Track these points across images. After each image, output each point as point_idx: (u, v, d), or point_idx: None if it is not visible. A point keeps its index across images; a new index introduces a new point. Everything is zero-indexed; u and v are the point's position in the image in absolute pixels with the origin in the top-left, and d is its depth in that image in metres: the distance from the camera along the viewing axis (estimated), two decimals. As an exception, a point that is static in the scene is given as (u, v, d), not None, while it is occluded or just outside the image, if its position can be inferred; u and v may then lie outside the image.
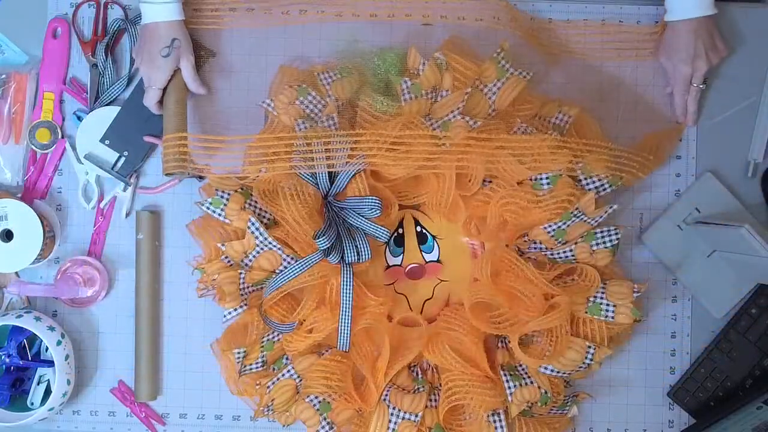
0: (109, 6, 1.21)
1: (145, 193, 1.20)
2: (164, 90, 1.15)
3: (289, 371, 1.15)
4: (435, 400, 1.14)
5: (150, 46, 1.13)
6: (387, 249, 1.20)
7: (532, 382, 1.13)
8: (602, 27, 1.22)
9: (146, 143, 1.18)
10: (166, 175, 1.13)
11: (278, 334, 1.16)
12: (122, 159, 1.19)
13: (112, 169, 1.19)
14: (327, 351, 1.16)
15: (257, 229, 1.12)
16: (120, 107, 1.19)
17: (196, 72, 1.17)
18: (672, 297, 1.21)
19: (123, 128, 1.19)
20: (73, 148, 1.20)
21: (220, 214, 1.14)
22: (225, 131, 1.20)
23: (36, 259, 1.15)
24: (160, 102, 1.16)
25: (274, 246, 1.13)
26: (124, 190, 1.20)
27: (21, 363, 1.16)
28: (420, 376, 1.16)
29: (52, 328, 1.14)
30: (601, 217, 1.12)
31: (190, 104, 1.19)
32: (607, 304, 1.12)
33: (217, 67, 1.21)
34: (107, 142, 1.19)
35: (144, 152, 1.19)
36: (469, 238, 1.20)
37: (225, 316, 1.15)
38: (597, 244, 1.13)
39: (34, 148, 1.20)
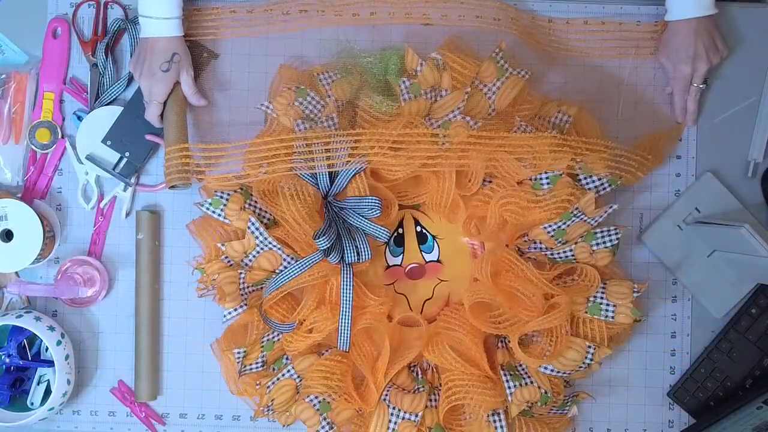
0: (109, 6, 1.21)
1: (144, 191, 1.20)
2: (164, 103, 1.16)
3: (289, 371, 1.15)
4: (435, 400, 1.14)
5: (150, 61, 1.13)
6: (387, 249, 1.20)
7: (532, 382, 1.13)
8: (602, 26, 1.22)
9: (147, 144, 1.18)
10: (170, 188, 1.13)
11: (278, 334, 1.16)
12: (124, 160, 1.19)
13: (114, 169, 1.19)
14: (327, 351, 1.16)
15: (257, 229, 1.12)
16: (120, 107, 1.19)
17: (196, 85, 1.17)
18: (672, 297, 1.21)
19: (124, 129, 1.19)
20: (73, 148, 1.20)
21: (219, 215, 1.14)
22: (226, 138, 1.20)
23: (36, 259, 1.15)
24: (162, 115, 1.16)
25: (274, 246, 1.13)
26: (125, 190, 1.20)
27: (21, 363, 1.16)
28: (420, 376, 1.16)
29: (52, 328, 1.14)
30: (601, 217, 1.13)
31: (190, 114, 1.19)
32: (607, 304, 1.13)
33: (216, 70, 1.21)
34: (109, 142, 1.19)
35: (145, 153, 1.19)
36: (469, 238, 1.20)
37: (225, 316, 1.15)
38: (597, 244, 1.13)
39: (34, 148, 1.20)
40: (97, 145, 1.19)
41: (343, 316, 1.12)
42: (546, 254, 1.15)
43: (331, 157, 1.12)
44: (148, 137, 1.18)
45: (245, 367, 1.14)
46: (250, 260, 1.14)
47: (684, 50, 1.16)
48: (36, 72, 1.21)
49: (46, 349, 1.18)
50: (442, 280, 1.20)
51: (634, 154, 1.15)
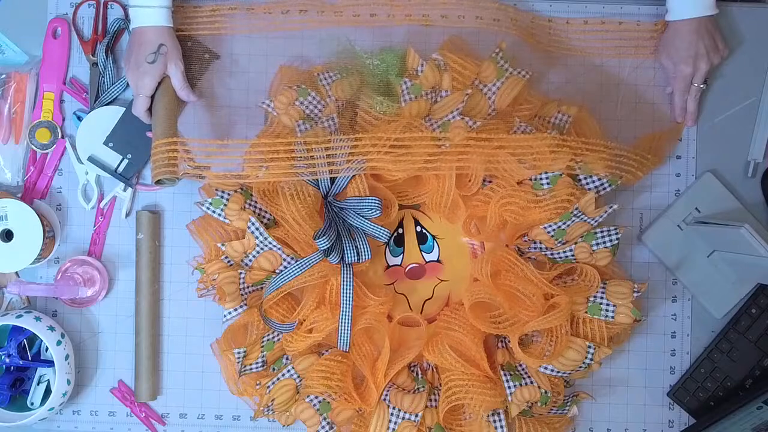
0: (108, 5, 1.21)
1: (144, 190, 1.20)
2: (153, 97, 1.14)
3: (289, 371, 1.15)
4: (435, 400, 1.14)
5: (137, 53, 1.12)
6: (387, 249, 1.20)
7: (532, 382, 1.13)
8: (602, 25, 1.22)
9: (149, 146, 1.17)
10: (156, 182, 1.10)
11: (278, 334, 1.16)
12: (125, 161, 1.19)
13: (115, 171, 1.19)
14: (327, 351, 1.16)
15: (257, 229, 1.12)
16: (120, 107, 1.19)
17: (185, 80, 1.15)
18: (672, 297, 1.21)
19: (126, 131, 1.18)
20: (73, 148, 1.20)
21: (220, 215, 1.14)
22: (225, 136, 1.19)
23: (36, 259, 1.15)
24: (150, 110, 1.15)
25: (274, 246, 1.13)
26: (124, 190, 1.20)
27: (21, 363, 1.16)
28: (420, 376, 1.16)
29: (52, 328, 1.14)
30: (601, 217, 1.13)
31: (190, 110, 1.19)
32: (607, 304, 1.13)
33: (216, 70, 1.21)
34: (111, 144, 1.18)
35: (147, 155, 1.19)
36: (469, 238, 1.20)
37: (225, 316, 1.15)
38: (597, 244, 1.13)
39: (34, 148, 1.20)
40: (98, 145, 1.19)
41: (343, 316, 1.12)
42: (546, 254, 1.15)
43: (332, 162, 1.11)
44: (149, 134, 1.18)
45: (245, 367, 1.14)
46: (250, 260, 1.14)
47: (685, 50, 1.16)
48: (36, 72, 1.21)
49: (46, 349, 1.18)
50: (442, 280, 1.20)
51: (634, 154, 1.15)
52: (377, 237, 1.15)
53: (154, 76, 1.12)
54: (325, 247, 1.10)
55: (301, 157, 1.11)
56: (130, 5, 1.12)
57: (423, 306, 1.20)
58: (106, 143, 1.18)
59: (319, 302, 1.14)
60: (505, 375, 1.13)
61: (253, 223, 1.12)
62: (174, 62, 1.13)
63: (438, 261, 1.20)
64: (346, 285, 1.12)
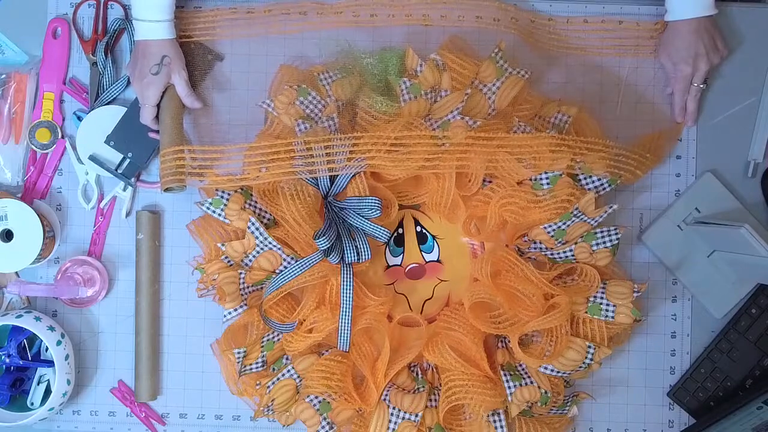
0: (108, 5, 1.21)
1: (145, 188, 1.20)
2: (159, 105, 1.15)
3: (289, 371, 1.15)
4: (435, 400, 1.14)
5: (141, 64, 1.13)
6: (387, 249, 1.20)
7: (532, 382, 1.13)
8: (602, 24, 1.22)
9: (150, 145, 1.18)
10: (165, 190, 1.12)
11: (278, 334, 1.16)
12: (126, 160, 1.19)
13: (116, 170, 1.19)
14: (327, 351, 1.16)
15: (257, 229, 1.12)
16: (120, 107, 1.19)
17: (190, 87, 1.16)
18: (672, 297, 1.21)
19: (127, 130, 1.18)
20: (73, 148, 1.20)
21: (220, 215, 1.14)
22: (226, 138, 1.19)
23: (36, 259, 1.15)
24: (157, 117, 1.16)
25: (274, 246, 1.13)
26: (124, 189, 1.20)
27: (21, 363, 1.16)
28: (420, 376, 1.16)
29: (52, 328, 1.14)
30: (601, 217, 1.13)
31: (190, 116, 1.19)
32: (607, 304, 1.12)
33: (217, 71, 1.21)
34: (112, 143, 1.19)
35: (148, 154, 1.19)
36: (469, 238, 1.20)
37: (225, 316, 1.15)
38: (597, 244, 1.13)
39: (34, 148, 1.20)
40: (98, 145, 1.19)
41: (343, 316, 1.12)
42: (546, 254, 1.15)
43: (331, 161, 1.11)
44: (151, 135, 1.18)
45: (245, 367, 1.14)
46: (250, 260, 1.14)
47: (685, 50, 1.16)
48: (36, 72, 1.21)
49: (46, 349, 1.18)
50: (442, 280, 1.20)
51: (633, 153, 1.15)
52: (377, 237, 1.15)
53: (158, 86, 1.14)
54: (325, 247, 1.10)
55: (301, 156, 1.11)
56: (133, 18, 1.13)
57: (423, 306, 1.20)
58: (107, 142, 1.18)
59: (319, 302, 1.14)
60: (505, 375, 1.13)
61: (253, 223, 1.12)
62: (177, 72, 1.14)
63: (438, 261, 1.20)
64: (346, 285, 1.12)
